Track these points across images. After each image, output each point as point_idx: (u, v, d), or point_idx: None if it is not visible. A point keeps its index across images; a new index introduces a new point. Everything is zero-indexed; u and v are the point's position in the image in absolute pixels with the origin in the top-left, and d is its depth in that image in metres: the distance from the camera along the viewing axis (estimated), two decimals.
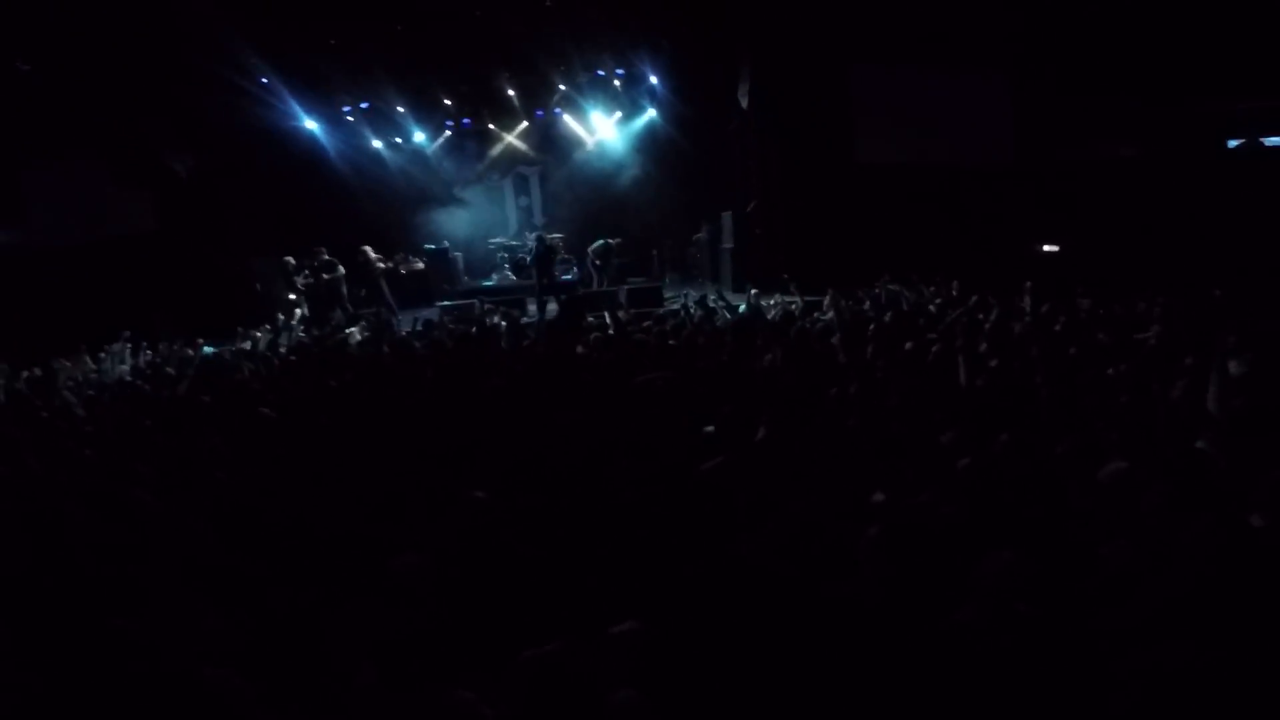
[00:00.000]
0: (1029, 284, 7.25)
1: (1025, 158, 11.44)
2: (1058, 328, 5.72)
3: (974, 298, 7.13)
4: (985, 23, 10.43)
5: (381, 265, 11.47)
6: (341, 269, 11.20)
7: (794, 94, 10.17)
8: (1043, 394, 3.99)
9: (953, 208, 10.89)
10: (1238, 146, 11.10)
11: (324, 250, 11.20)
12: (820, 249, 10.08)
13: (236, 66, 10.87)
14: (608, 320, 7.08)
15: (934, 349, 4.90)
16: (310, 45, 11.27)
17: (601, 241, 11.65)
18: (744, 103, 10.54)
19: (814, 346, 5.28)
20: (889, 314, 6.30)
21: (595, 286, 11.37)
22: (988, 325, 5.75)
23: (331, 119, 13.07)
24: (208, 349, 8.46)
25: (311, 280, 11.08)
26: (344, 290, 11.19)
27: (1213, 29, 9.71)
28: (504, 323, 7.58)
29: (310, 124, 12.87)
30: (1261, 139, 10.89)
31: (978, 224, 10.84)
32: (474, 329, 7.23)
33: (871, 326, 5.72)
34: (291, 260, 11.07)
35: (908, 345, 5.07)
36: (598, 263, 11.59)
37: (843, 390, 4.05)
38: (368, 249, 11.38)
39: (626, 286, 10.69)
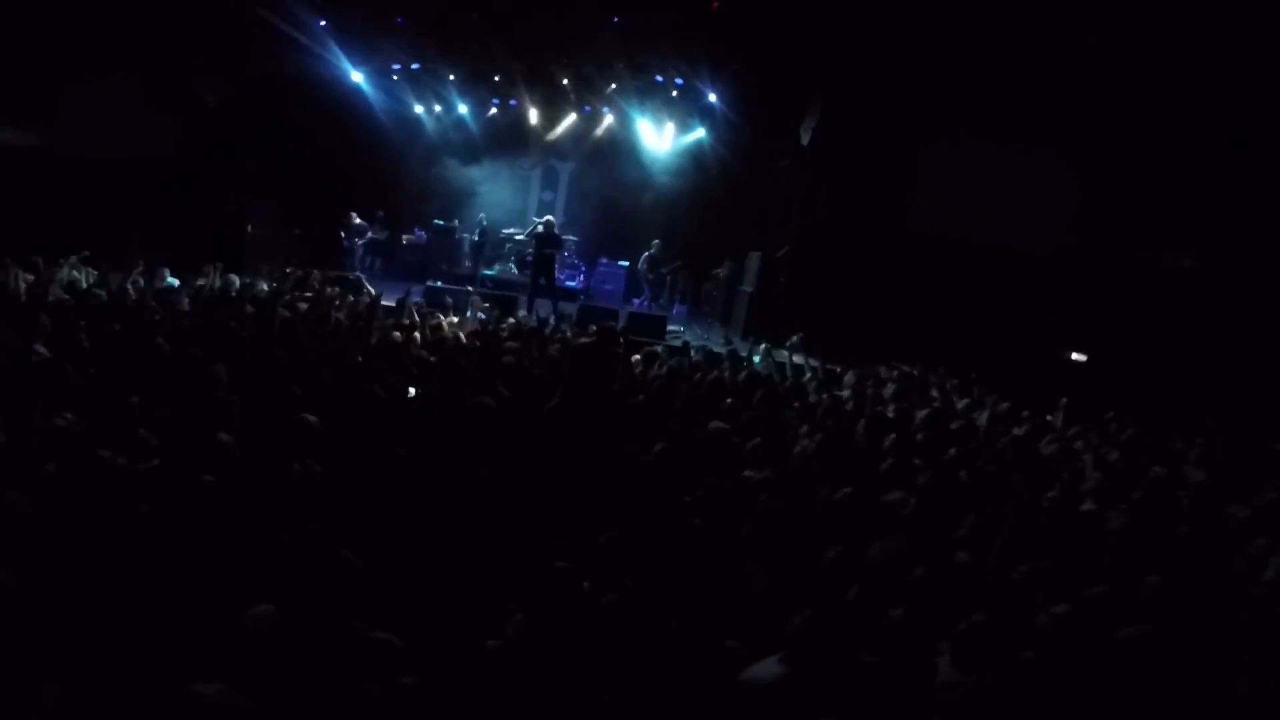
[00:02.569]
0: (1064, 401, 6.63)
1: (1085, 252, 10.72)
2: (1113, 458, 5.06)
3: (1001, 404, 6.47)
4: (1064, 98, 9.75)
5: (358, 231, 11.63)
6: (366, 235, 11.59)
7: (859, 142, 9.49)
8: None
9: (993, 294, 10.21)
10: None
11: (354, 215, 11.75)
12: (845, 313, 9.42)
13: (286, 12, 10.48)
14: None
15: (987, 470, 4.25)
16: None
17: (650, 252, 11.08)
18: (805, 139, 9.79)
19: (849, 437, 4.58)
20: (919, 415, 5.58)
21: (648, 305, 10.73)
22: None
23: (377, 75, 12.60)
24: (172, 280, 8.01)
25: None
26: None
27: None
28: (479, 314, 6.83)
29: (356, 76, 12.40)
30: None
31: (1014, 317, 10.19)
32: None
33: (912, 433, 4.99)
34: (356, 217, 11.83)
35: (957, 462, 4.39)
36: (650, 276, 10.96)
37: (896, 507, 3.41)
38: (352, 214, 11.71)
39: (629, 308, 9.97)
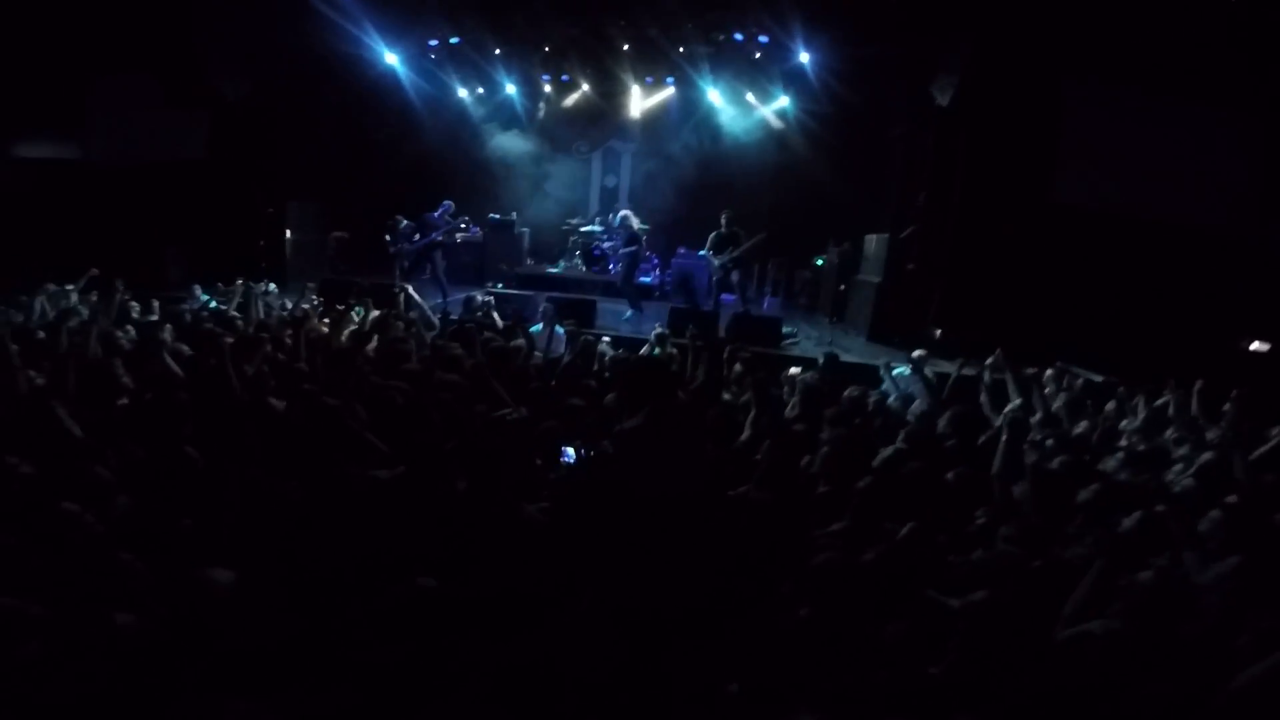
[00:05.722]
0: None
1: (1257, 223, 8.96)
2: None
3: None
4: (1229, 54, 8.03)
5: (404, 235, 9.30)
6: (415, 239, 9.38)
7: (1004, 103, 7.86)
8: None
9: (1152, 275, 8.56)
10: None
11: (401, 219, 9.48)
12: (986, 304, 7.88)
13: None
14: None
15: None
16: None
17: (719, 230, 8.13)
18: (943, 99, 8.10)
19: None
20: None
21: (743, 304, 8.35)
22: None
23: (414, 54, 11.20)
24: (205, 296, 7.07)
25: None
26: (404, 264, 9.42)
27: None
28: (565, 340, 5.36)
29: (390, 58, 11.02)
30: None
31: (1178, 301, 8.54)
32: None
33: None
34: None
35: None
36: (717, 263, 8.09)
37: None
38: (399, 217, 9.48)
39: (726, 308, 8.21)
